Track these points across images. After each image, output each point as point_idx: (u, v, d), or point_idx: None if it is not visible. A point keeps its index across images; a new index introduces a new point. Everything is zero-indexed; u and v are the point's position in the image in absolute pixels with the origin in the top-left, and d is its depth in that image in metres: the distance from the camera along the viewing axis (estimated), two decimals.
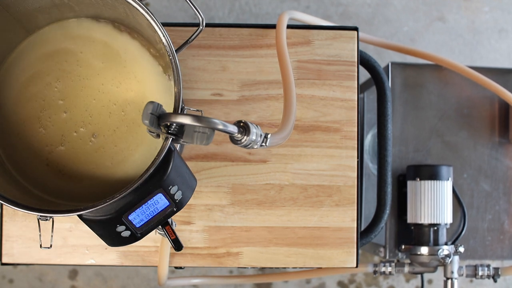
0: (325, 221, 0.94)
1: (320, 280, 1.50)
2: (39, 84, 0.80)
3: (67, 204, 0.78)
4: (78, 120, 0.80)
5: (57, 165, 0.80)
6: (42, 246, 0.80)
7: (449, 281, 1.07)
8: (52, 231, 0.79)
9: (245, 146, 0.68)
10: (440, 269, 1.16)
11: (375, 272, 1.09)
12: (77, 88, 0.80)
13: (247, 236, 0.94)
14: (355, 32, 0.96)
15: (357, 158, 0.95)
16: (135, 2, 0.73)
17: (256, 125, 0.68)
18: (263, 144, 0.69)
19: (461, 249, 1.05)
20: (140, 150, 0.80)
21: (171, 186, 0.73)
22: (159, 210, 0.74)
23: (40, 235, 0.78)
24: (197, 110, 0.74)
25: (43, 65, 0.81)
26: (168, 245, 0.92)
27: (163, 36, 0.74)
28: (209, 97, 0.94)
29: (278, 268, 1.38)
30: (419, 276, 1.50)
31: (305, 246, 0.94)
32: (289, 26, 0.94)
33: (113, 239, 0.75)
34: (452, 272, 1.06)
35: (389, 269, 1.09)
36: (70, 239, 0.93)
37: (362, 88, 1.29)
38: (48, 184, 0.79)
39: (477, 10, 1.54)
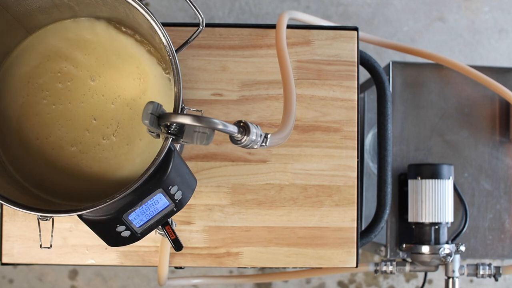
0: (325, 221, 0.94)
1: (320, 280, 1.50)
2: (39, 84, 0.80)
3: (67, 204, 0.78)
4: (78, 120, 0.80)
5: (57, 165, 0.80)
6: (42, 246, 0.80)
7: (450, 280, 1.07)
8: (52, 231, 0.79)
9: (245, 146, 0.68)
10: (441, 268, 1.16)
11: (376, 271, 1.09)
12: (76, 88, 0.80)
13: (247, 236, 0.94)
14: (355, 32, 0.96)
15: (357, 158, 0.95)
16: (135, 2, 0.73)
17: (256, 125, 0.68)
18: (263, 144, 0.69)
19: (462, 248, 1.05)
20: (140, 150, 0.79)
21: (171, 186, 0.73)
22: (159, 210, 0.74)
23: (40, 235, 0.78)
24: (197, 110, 0.74)
25: (43, 65, 0.81)
26: (168, 245, 0.92)
27: (163, 36, 0.74)
28: (209, 97, 0.94)
29: (278, 268, 1.38)
30: (419, 276, 1.50)
31: (305, 246, 0.94)
32: (289, 26, 0.94)
33: (113, 239, 0.75)
34: (453, 271, 1.06)
35: (390, 268, 1.09)
36: (70, 239, 0.93)
37: (362, 88, 1.28)
38: (48, 184, 0.79)
39: (477, 10, 1.54)
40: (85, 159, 0.80)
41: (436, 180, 1.06)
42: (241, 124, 0.67)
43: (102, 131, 0.80)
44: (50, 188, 0.79)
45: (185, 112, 0.75)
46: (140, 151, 0.79)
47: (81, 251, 0.93)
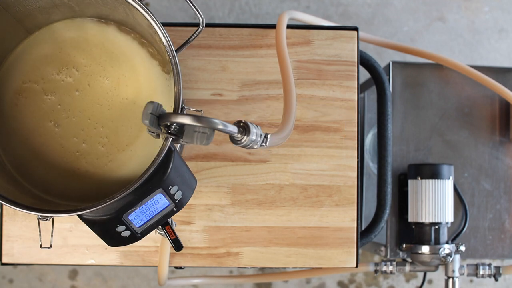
0: (325, 221, 0.94)
1: (320, 280, 1.50)
2: (39, 84, 0.80)
3: (67, 204, 0.78)
4: (78, 120, 0.80)
5: (57, 165, 0.79)
6: (42, 246, 0.80)
7: (450, 280, 1.07)
8: (52, 231, 0.79)
9: (245, 146, 0.68)
10: (441, 268, 1.16)
11: (376, 271, 1.09)
12: (77, 88, 0.80)
13: (247, 236, 0.94)
14: (355, 32, 0.96)
15: (357, 158, 0.95)
16: (135, 2, 0.73)
17: (256, 125, 0.68)
18: (263, 144, 0.69)
19: (462, 248, 1.05)
20: (140, 150, 0.79)
21: (171, 186, 0.73)
22: (159, 210, 0.74)
23: (40, 235, 0.78)
24: (197, 110, 0.74)
25: (43, 65, 0.81)
26: (168, 245, 0.92)
27: (163, 36, 0.74)
28: (209, 97, 0.94)
29: (278, 268, 1.38)
30: (419, 276, 1.50)
31: (305, 246, 0.94)
32: (289, 26, 0.94)
33: (113, 239, 0.75)
34: (453, 271, 1.06)
35: (390, 268, 1.09)
36: (70, 239, 0.93)
37: (362, 88, 1.28)
38: (48, 184, 0.79)
39: (477, 10, 1.54)
40: (85, 159, 0.79)
41: (436, 180, 1.06)
42: (241, 124, 0.67)
43: (103, 132, 0.80)
44: (50, 188, 0.79)
45: (185, 112, 0.75)
46: (140, 151, 0.79)
47: (81, 251, 0.93)
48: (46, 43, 0.81)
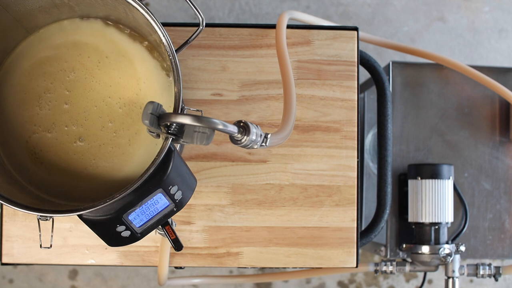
0: (325, 221, 0.94)
1: (320, 280, 1.50)
2: (39, 84, 0.80)
3: (67, 204, 0.78)
4: (78, 120, 0.80)
5: (57, 166, 0.79)
6: (42, 246, 0.80)
7: (450, 280, 1.07)
8: (52, 231, 0.79)
9: (245, 146, 0.68)
10: (441, 268, 1.16)
11: (376, 271, 1.09)
12: (77, 88, 0.80)
13: (247, 236, 0.94)
14: (355, 32, 0.96)
15: (357, 158, 0.95)
16: (135, 2, 0.73)
17: (256, 125, 0.68)
18: (263, 144, 0.69)
19: (462, 248, 1.05)
20: (140, 150, 0.79)
21: (171, 186, 0.73)
22: (159, 210, 0.74)
23: (40, 235, 0.78)
24: (197, 110, 0.74)
25: (43, 66, 0.81)
26: (168, 245, 0.92)
27: (163, 36, 0.74)
28: (209, 97, 0.94)
29: (278, 268, 1.38)
30: (419, 276, 1.50)
31: (305, 246, 0.94)
32: (289, 26, 0.94)
33: (113, 239, 0.75)
34: (453, 271, 1.06)
35: (390, 268, 1.09)
36: (70, 239, 0.93)
37: (362, 88, 1.28)
38: (48, 184, 0.79)
39: (477, 10, 1.54)
40: (85, 160, 0.79)
41: (436, 180, 1.06)
42: (241, 124, 0.67)
43: (103, 132, 0.80)
44: (50, 188, 0.79)
45: (185, 112, 0.75)
46: (140, 151, 0.79)
47: (81, 251, 0.93)
48: (46, 44, 0.81)
